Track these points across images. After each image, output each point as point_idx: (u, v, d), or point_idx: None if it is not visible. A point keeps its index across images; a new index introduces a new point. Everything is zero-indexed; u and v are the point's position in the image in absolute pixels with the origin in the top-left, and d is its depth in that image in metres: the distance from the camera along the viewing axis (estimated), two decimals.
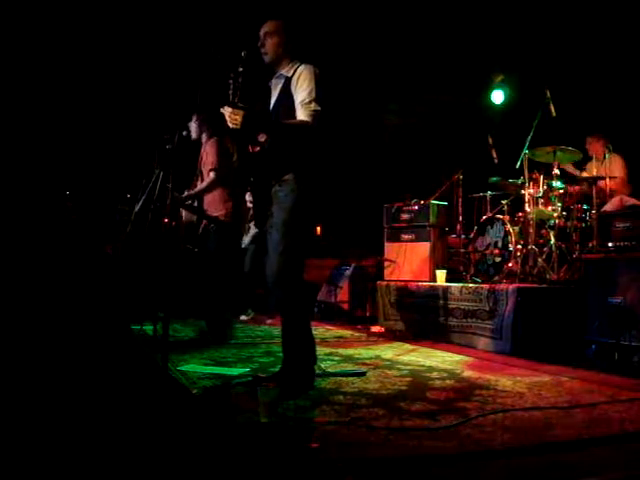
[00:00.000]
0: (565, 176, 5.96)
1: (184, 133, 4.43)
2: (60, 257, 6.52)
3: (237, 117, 3.08)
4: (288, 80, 3.34)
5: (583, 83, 6.88)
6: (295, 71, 3.34)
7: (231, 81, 3.20)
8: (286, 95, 3.33)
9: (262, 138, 3.38)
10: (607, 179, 5.56)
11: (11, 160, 6.82)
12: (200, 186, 4.98)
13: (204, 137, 5.14)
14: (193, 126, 5.09)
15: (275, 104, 3.44)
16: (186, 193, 5.03)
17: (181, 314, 6.15)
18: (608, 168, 5.74)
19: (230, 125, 3.12)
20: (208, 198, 5.00)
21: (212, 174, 4.91)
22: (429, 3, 7.47)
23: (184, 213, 5.28)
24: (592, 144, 6.19)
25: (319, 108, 3.24)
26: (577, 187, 5.86)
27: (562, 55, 7.28)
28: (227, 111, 3.11)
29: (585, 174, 6.25)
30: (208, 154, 4.97)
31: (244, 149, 3.44)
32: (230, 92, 3.18)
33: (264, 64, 3.44)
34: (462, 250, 6.34)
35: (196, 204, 5.06)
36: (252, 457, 2.13)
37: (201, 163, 5.09)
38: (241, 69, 3.23)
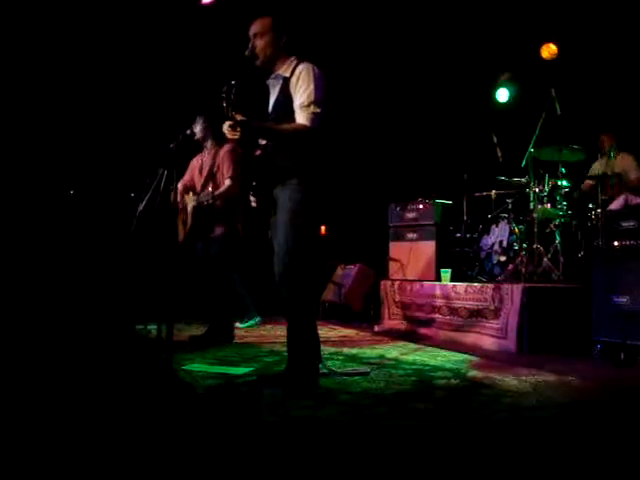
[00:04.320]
0: (570, 175, 5.95)
1: (188, 132, 4.42)
2: (64, 257, 6.53)
3: (236, 130, 3.08)
4: (286, 80, 3.28)
5: (590, 80, 6.85)
6: (293, 71, 3.27)
7: (224, 95, 3.16)
8: (285, 96, 3.28)
9: (263, 141, 3.37)
10: (620, 177, 5.58)
11: (15, 160, 6.83)
12: (218, 191, 4.98)
13: (210, 141, 5.15)
14: (198, 128, 5.10)
15: (274, 105, 3.40)
16: (203, 198, 4.99)
17: (185, 314, 6.16)
18: (616, 166, 5.72)
19: (230, 137, 3.14)
20: (219, 208, 5.02)
21: (228, 181, 4.94)
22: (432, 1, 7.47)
23: (190, 217, 5.25)
24: (603, 142, 6.18)
25: (319, 110, 3.19)
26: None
27: (567, 53, 7.26)
28: (225, 125, 3.12)
29: (593, 172, 6.24)
30: (224, 161, 5.00)
31: (247, 153, 3.41)
32: (224, 105, 3.15)
33: (254, 67, 3.36)
34: (467, 249, 6.32)
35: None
36: (256, 456, 2.12)
37: (213, 169, 5.08)
38: (234, 82, 3.17)
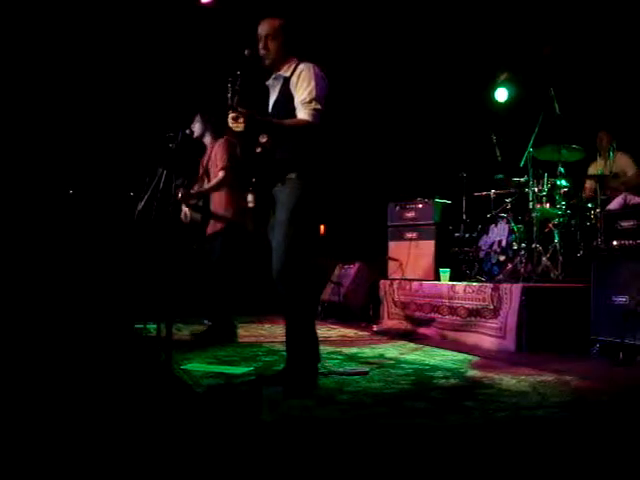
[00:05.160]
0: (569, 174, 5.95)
1: (187, 132, 4.43)
2: (64, 256, 6.53)
3: (239, 121, 3.09)
4: (287, 80, 3.31)
5: (588, 80, 6.86)
6: (294, 71, 3.30)
7: (229, 85, 3.18)
8: (285, 95, 3.30)
9: (263, 139, 3.37)
10: (620, 177, 5.59)
11: (14, 159, 6.83)
12: (209, 184, 4.97)
13: (208, 137, 5.14)
14: (196, 125, 5.10)
15: (274, 105, 3.42)
16: (193, 190, 5.01)
17: (185, 313, 6.16)
18: (613, 165, 5.72)
19: (233, 129, 3.15)
20: (215, 198, 5.00)
21: (221, 173, 4.89)
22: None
23: (189, 212, 5.26)
24: (602, 140, 6.18)
25: (319, 107, 3.21)
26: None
27: (567, 52, 7.26)
28: (229, 116, 3.12)
29: (591, 171, 6.25)
30: (217, 153, 4.97)
31: (247, 150, 3.41)
32: (229, 95, 3.17)
33: (262, 65, 3.39)
34: (466, 249, 6.32)
35: (201, 203, 5.04)
36: (256, 455, 2.12)
37: (208, 163, 5.09)
38: (239, 72, 3.20)
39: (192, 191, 4.97)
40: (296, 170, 3.24)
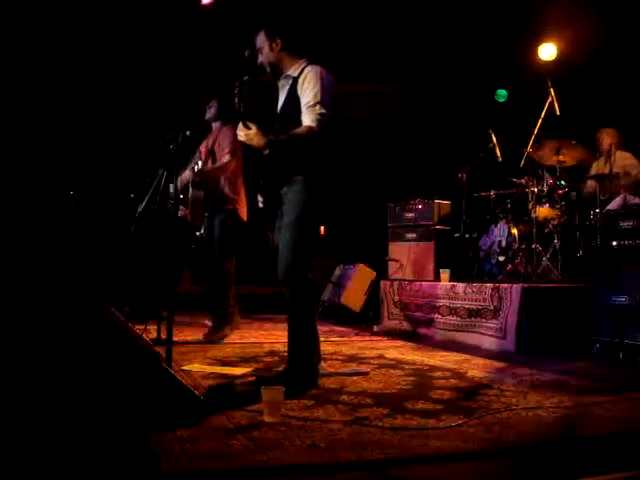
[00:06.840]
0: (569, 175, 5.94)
1: (187, 133, 4.44)
2: (64, 256, 6.53)
3: (249, 136, 3.20)
4: (295, 80, 3.35)
5: (589, 79, 6.86)
6: (302, 72, 3.33)
7: (236, 91, 3.22)
8: (293, 96, 3.34)
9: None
10: (621, 176, 5.57)
11: (15, 160, 6.84)
12: (214, 165, 5.07)
13: (218, 123, 5.23)
14: (212, 110, 5.19)
15: (282, 105, 3.46)
16: (197, 169, 5.04)
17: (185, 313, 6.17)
18: (615, 165, 5.69)
19: (246, 142, 3.26)
20: (220, 185, 5.04)
21: (227, 156, 5.01)
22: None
23: (191, 192, 5.22)
24: (603, 138, 6.15)
25: (324, 111, 3.23)
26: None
27: (566, 52, 7.27)
28: (240, 130, 3.22)
29: (592, 171, 6.22)
30: (225, 137, 5.08)
31: (255, 152, 3.43)
32: (236, 101, 3.22)
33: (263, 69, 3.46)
34: (466, 249, 6.33)
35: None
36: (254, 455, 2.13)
37: (213, 145, 5.16)
38: (246, 78, 3.24)
39: (197, 170, 5.01)
40: (303, 172, 3.27)
